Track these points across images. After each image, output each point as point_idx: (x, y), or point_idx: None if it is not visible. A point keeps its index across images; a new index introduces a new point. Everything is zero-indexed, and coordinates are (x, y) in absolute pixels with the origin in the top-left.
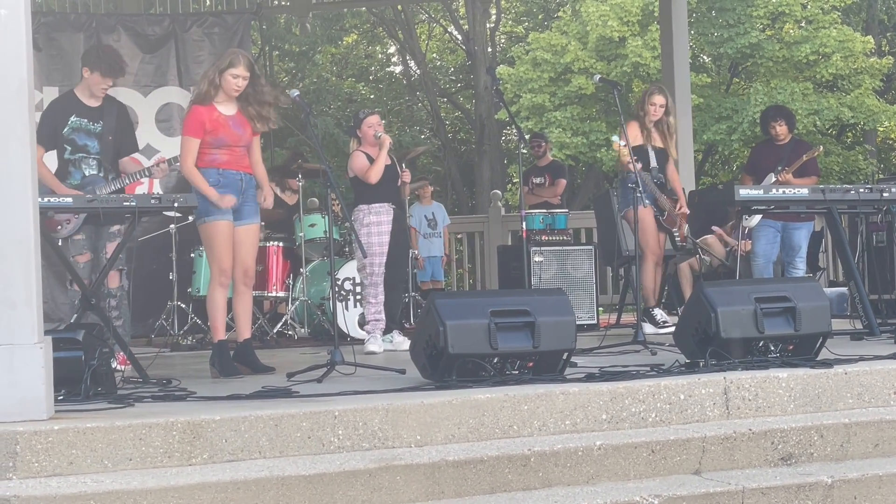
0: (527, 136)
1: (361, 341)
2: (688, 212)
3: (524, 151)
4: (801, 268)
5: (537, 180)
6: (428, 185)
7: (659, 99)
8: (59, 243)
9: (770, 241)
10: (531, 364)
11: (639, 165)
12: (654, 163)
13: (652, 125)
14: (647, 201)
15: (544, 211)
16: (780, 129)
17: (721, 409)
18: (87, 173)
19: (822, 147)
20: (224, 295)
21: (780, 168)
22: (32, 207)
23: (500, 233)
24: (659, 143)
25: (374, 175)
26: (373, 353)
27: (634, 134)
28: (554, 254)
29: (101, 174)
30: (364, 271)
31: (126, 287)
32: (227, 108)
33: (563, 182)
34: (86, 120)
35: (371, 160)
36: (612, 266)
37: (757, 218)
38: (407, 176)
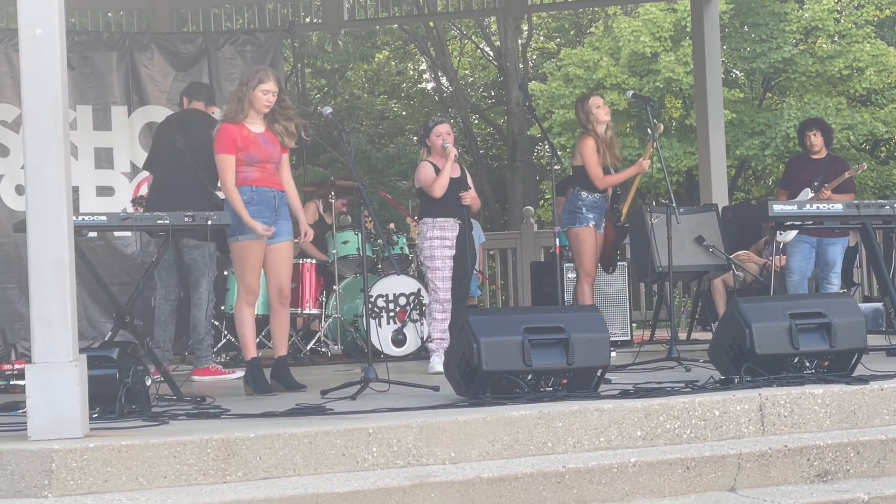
0: (560, 153)
1: (395, 358)
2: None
3: (557, 168)
4: (835, 283)
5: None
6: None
7: (597, 100)
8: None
9: (805, 257)
10: (565, 381)
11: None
12: None
13: (605, 136)
14: (593, 222)
15: None
16: (815, 140)
17: (756, 425)
18: None
19: (865, 165)
20: (252, 313)
21: (816, 183)
22: (67, 225)
23: (532, 249)
24: (608, 159)
25: (439, 189)
26: (440, 373)
27: (594, 149)
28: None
29: None
30: (428, 288)
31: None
32: (255, 126)
33: None
34: None
35: (438, 171)
36: (645, 282)
37: (792, 233)
38: (468, 198)
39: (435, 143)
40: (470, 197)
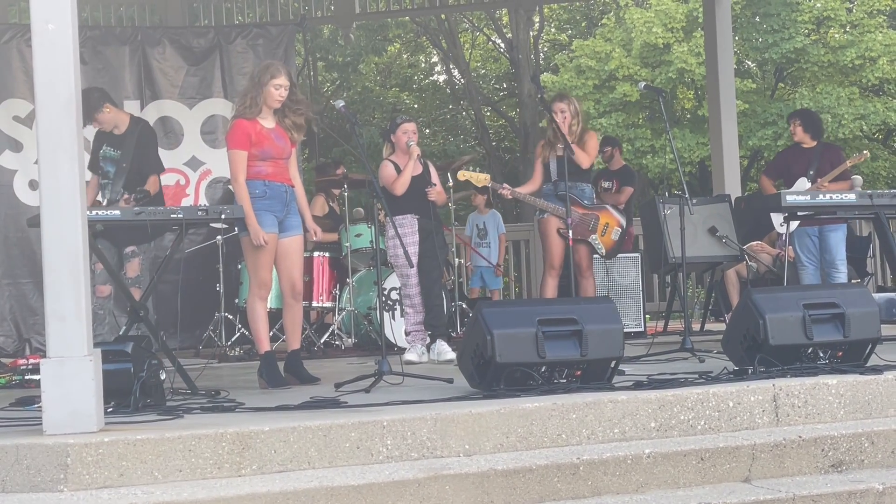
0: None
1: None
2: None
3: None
4: (842, 271)
5: (605, 184)
6: (479, 194)
7: (560, 105)
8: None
9: (811, 247)
10: (579, 372)
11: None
12: (555, 176)
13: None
14: (545, 215)
15: None
16: (795, 130)
17: (770, 416)
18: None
19: (867, 153)
20: (264, 307)
21: (811, 172)
22: (81, 220)
23: None
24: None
25: (400, 187)
26: (410, 362)
27: (537, 153)
28: (600, 261)
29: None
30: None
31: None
32: (267, 122)
33: (630, 190)
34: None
35: (399, 170)
36: (658, 273)
37: (794, 223)
38: (433, 194)
39: (400, 140)
40: (435, 192)
